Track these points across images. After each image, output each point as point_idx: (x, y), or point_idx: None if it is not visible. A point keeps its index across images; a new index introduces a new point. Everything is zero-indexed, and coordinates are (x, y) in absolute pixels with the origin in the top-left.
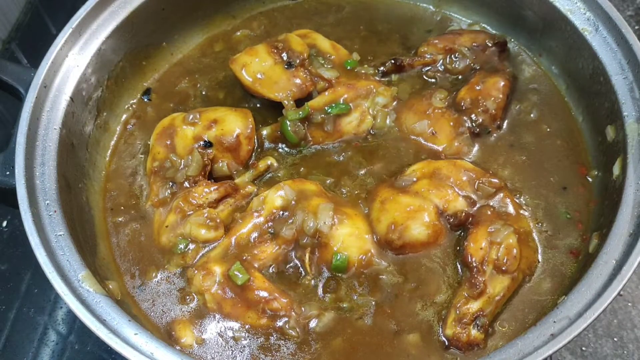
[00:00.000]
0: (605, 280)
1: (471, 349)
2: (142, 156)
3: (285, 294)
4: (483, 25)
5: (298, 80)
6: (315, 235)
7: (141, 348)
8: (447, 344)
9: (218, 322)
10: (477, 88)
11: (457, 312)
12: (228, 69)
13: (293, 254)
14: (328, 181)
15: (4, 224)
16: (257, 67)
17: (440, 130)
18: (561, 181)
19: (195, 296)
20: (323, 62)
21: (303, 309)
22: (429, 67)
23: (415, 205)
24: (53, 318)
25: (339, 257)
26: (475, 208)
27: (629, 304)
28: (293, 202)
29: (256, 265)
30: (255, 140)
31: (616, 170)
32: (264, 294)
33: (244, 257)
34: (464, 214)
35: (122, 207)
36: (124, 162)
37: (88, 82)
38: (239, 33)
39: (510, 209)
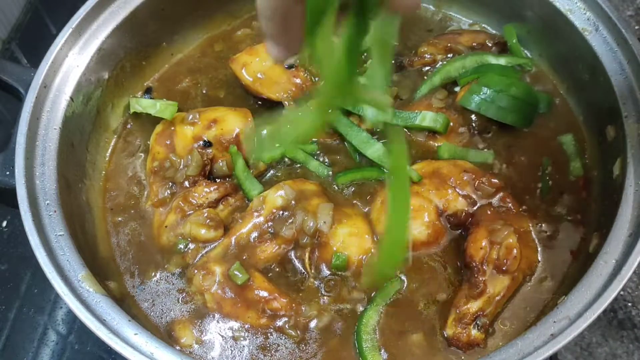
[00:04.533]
0: (605, 280)
1: (471, 349)
2: (142, 155)
3: (285, 293)
4: (483, 25)
5: (298, 80)
6: (315, 235)
7: (141, 348)
8: (447, 343)
9: (218, 322)
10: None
11: (457, 312)
12: (228, 69)
13: (293, 253)
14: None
15: (4, 224)
16: (257, 66)
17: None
18: (561, 181)
19: (195, 296)
20: None
21: (303, 308)
22: (429, 67)
23: (415, 205)
24: (53, 318)
25: (339, 257)
26: (475, 208)
27: (629, 304)
28: (293, 202)
29: (256, 265)
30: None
31: (616, 170)
32: (263, 293)
33: (244, 257)
34: (464, 213)
35: (122, 207)
36: (123, 162)
37: (88, 82)
38: (239, 32)
39: (511, 209)
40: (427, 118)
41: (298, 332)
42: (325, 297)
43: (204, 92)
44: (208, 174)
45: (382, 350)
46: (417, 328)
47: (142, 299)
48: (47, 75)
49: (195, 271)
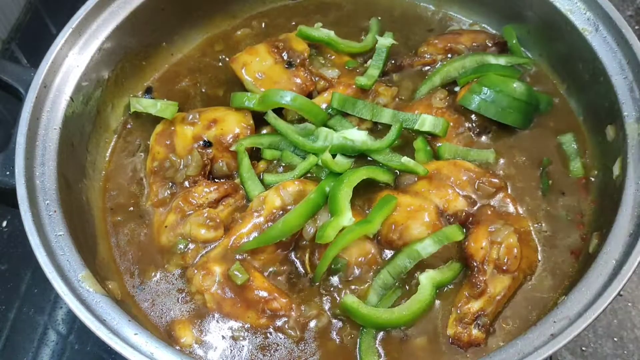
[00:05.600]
0: (605, 280)
1: (472, 348)
2: (142, 155)
3: (284, 293)
4: (483, 25)
5: (298, 80)
6: (314, 238)
7: (141, 348)
8: (450, 342)
9: (218, 321)
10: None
11: (458, 311)
12: (228, 69)
13: (293, 254)
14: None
15: (4, 224)
16: (257, 66)
17: None
18: (561, 181)
19: (195, 296)
20: (323, 61)
21: (303, 308)
22: (429, 67)
23: (416, 205)
24: (53, 318)
25: (338, 261)
26: (475, 208)
27: (629, 304)
28: (292, 204)
29: (256, 265)
30: None
31: (616, 170)
32: (263, 293)
33: (244, 257)
34: (464, 213)
35: (121, 207)
36: (123, 161)
37: (88, 82)
38: (239, 32)
39: (511, 209)
40: (426, 123)
41: (297, 332)
42: (325, 298)
43: (204, 91)
44: (208, 174)
45: (385, 355)
46: (419, 330)
47: (142, 299)
48: (47, 75)
49: (195, 271)
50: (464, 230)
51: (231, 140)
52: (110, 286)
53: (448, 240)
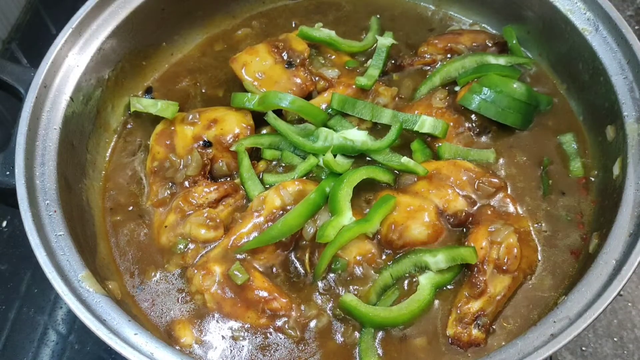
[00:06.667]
0: (605, 280)
1: (472, 348)
2: (142, 155)
3: (284, 293)
4: (483, 25)
5: (298, 80)
6: (314, 238)
7: (141, 348)
8: (450, 342)
9: (217, 321)
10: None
11: (458, 311)
12: (228, 69)
13: (293, 254)
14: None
15: (4, 224)
16: (257, 66)
17: None
18: (561, 181)
19: (195, 296)
20: (323, 61)
21: (303, 308)
22: (429, 67)
23: (416, 205)
24: (53, 318)
25: (338, 261)
26: (475, 208)
27: (629, 304)
28: (292, 204)
29: (256, 265)
30: None
31: (616, 170)
32: (263, 293)
33: (244, 257)
34: (464, 213)
35: (121, 207)
36: (123, 161)
37: (88, 82)
38: (239, 32)
39: (511, 209)
40: (426, 124)
41: (297, 332)
42: (325, 297)
43: (204, 91)
44: (208, 174)
45: (384, 355)
46: (419, 330)
47: (142, 299)
48: (47, 75)
49: (195, 271)
50: (464, 230)
51: (231, 140)
52: (110, 286)
53: (462, 260)
